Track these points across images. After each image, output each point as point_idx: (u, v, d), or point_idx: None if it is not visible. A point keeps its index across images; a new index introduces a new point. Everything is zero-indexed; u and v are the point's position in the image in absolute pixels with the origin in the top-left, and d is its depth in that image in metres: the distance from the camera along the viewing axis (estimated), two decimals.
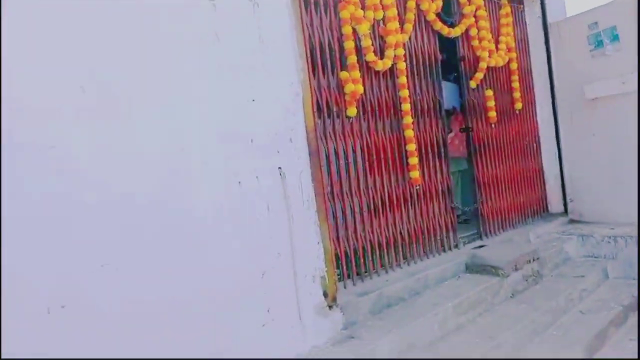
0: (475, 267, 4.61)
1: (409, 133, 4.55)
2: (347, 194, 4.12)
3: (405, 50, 4.59)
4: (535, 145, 6.27)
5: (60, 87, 2.47)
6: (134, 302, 2.61)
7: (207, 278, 2.91)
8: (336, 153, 4.08)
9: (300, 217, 3.44)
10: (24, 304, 2.26)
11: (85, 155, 2.52)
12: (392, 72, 4.52)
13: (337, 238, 4.00)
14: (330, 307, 3.56)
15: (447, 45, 5.33)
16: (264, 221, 3.22)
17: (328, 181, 3.97)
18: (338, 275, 3.91)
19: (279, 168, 3.34)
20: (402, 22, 4.60)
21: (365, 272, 4.23)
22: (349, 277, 4.09)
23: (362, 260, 4.20)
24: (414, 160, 4.55)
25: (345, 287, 4.00)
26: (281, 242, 3.31)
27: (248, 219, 3.15)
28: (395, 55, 4.46)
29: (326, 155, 3.96)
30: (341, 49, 4.11)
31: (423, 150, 4.76)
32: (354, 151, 4.24)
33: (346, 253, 4.08)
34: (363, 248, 4.22)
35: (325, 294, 3.54)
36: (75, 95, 2.51)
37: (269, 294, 3.20)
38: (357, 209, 4.20)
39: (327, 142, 3.98)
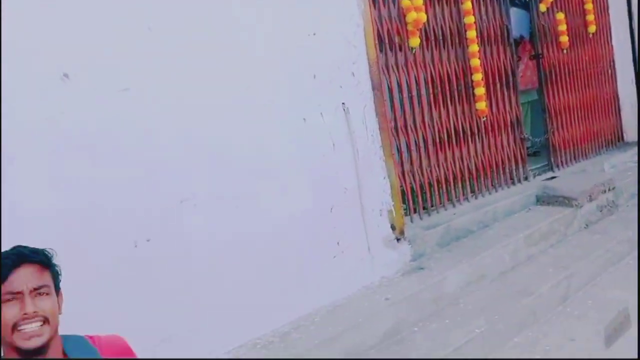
0: (546, 199, 4.49)
1: (475, 62, 4.36)
2: (411, 128, 4.06)
3: None
4: (609, 70, 5.88)
5: None
6: (213, 235, 2.73)
7: (280, 213, 2.99)
8: (399, 86, 4.00)
9: (366, 153, 3.43)
10: (115, 238, 2.42)
11: (165, 98, 2.59)
12: None
13: (403, 173, 3.97)
14: (398, 239, 3.59)
15: None
16: (330, 157, 3.24)
17: (392, 115, 3.91)
18: (405, 209, 3.91)
19: (343, 104, 3.32)
20: None
21: (432, 206, 4.21)
22: (415, 211, 4.09)
23: (428, 194, 4.17)
24: (480, 91, 4.39)
25: (412, 222, 4.01)
26: (347, 177, 3.33)
27: (315, 156, 3.18)
28: None
29: (389, 88, 3.89)
30: None
31: (490, 80, 4.58)
32: (418, 83, 4.13)
33: (412, 188, 4.07)
34: (429, 182, 4.19)
35: (392, 227, 3.57)
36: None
37: (338, 228, 3.27)
38: (422, 144, 4.14)
39: (389, 75, 3.89)
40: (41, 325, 1.38)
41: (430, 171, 4.19)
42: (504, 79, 4.70)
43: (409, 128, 4.04)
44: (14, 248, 1.44)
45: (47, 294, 1.42)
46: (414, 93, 4.08)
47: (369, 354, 2.90)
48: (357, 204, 3.37)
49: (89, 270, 2.30)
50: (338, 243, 3.27)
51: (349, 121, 3.33)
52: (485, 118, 4.51)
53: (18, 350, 1.38)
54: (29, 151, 2.23)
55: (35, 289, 1.40)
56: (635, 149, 5.75)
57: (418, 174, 4.10)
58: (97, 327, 1.64)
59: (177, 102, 2.64)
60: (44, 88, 2.27)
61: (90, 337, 1.59)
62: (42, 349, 1.40)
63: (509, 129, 4.75)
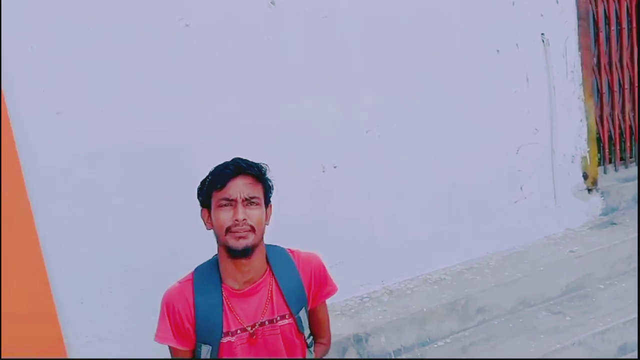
0: None
1: None
2: (616, 66, 3.56)
3: None
4: None
5: None
6: (394, 167, 2.72)
7: (463, 149, 2.88)
8: (607, 17, 3.50)
9: (563, 91, 3.11)
10: (306, 162, 2.53)
11: (359, 29, 2.56)
12: None
13: (601, 117, 3.55)
14: (589, 190, 3.26)
15: None
16: (522, 93, 2.99)
17: (595, 51, 3.46)
18: (599, 158, 3.52)
19: (542, 34, 3.00)
20: None
21: (630, 157, 3.73)
22: (610, 161, 3.67)
23: (627, 143, 3.69)
24: None
25: (605, 172, 3.61)
26: (540, 117, 3.06)
27: (506, 91, 2.95)
28: None
29: (594, 19, 3.42)
30: None
31: None
32: (629, 14, 3.57)
33: (610, 134, 3.62)
34: (630, 130, 3.69)
35: (584, 176, 3.24)
36: None
37: (524, 171, 3.05)
38: (626, 85, 3.63)
39: (596, 4, 3.41)
40: (248, 231, 1.49)
41: (633, 117, 3.68)
42: None
43: (613, 66, 3.55)
44: (234, 160, 1.55)
45: (257, 204, 1.52)
46: (624, 25, 3.54)
47: (548, 305, 2.73)
48: (548, 148, 3.09)
49: (279, 190, 2.44)
50: (521, 188, 3.06)
51: (547, 54, 3.02)
52: None
53: (228, 249, 1.51)
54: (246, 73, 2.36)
55: (247, 199, 1.50)
56: None
57: (619, 119, 3.63)
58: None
59: (369, 35, 2.59)
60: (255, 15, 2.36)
61: (291, 251, 1.69)
62: (247, 250, 1.50)
63: None
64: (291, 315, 1.60)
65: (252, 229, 1.50)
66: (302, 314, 1.63)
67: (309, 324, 1.70)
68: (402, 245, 2.79)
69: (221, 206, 1.50)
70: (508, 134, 2.99)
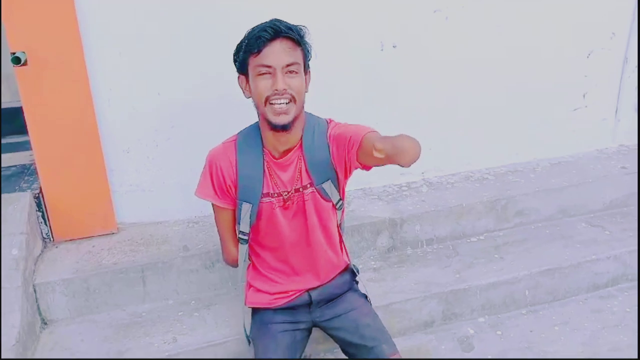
0: None
1: None
2: None
3: None
4: None
5: None
6: (460, 51, 2.58)
7: (529, 42, 2.69)
8: None
9: None
10: (364, 40, 2.40)
11: None
12: None
13: None
14: None
15: None
16: None
17: None
18: None
19: None
20: None
21: None
22: None
23: None
24: None
25: None
26: (620, 20, 2.80)
27: None
28: None
29: None
30: None
31: None
32: None
33: None
34: None
35: None
36: None
37: (590, 78, 2.86)
38: None
39: None
40: (288, 103, 1.43)
41: None
42: None
43: None
44: (271, 21, 1.43)
45: (297, 72, 1.44)
46: None
47: (589, 217, 2.68)
48: (621, 55, 2.87)
49: (338, 67, 2.34)
50: (584, 95, 2.89)
51: None
52: None
53: (268, 122, 1.47)
54: None
55: (286, 66, 1.41)
56: None
57: None
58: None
59: None
60: None
61: (330, 122, 1.61)
62: (286, 125, 1.46)
63: None
64: (313, 185, 1.59)
65: (293, 99, 1.43)
66: (327, 185, 1.60)
67: (371, 158, 1.31)
68: (448, 139, 2.71)
69: (260, 74, 1.42)
70: (581, 34, 2.76)
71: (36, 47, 1.99)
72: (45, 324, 2.03)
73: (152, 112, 2.22)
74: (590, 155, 2.98)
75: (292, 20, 1.47)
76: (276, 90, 1.41)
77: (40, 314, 2.02)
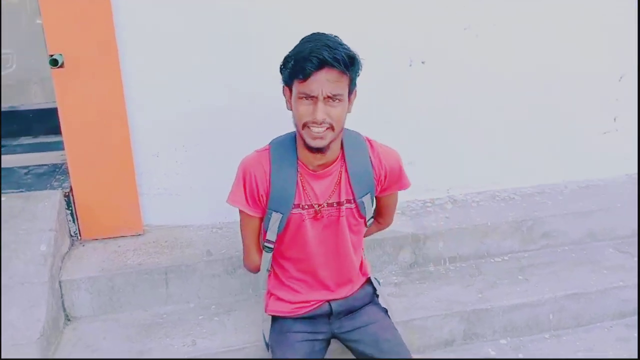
0: None
1: None
2: None
3: None
4: None
5: None
6: (490, 70, 2.58)
7: (563, 67, 2.67)
8: None
9: None
10: (392, 56, 2.42)
11: None
12: None
13: None
14: None
15: None
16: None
17: None
18: None
19: None
20: None
21: None
22: None
23: None
24: None
25: None
26: None
27: (621, 8, 2.65)
28: None
29: None
30: None
31: None
32: None
33: None
34: None
35: None
36: None
37: (621, 101, 2.82)
38: None
39: None
40: (325, 130, 1.43)
41: None
42: None
43: None
44: (320, 45, 1.38)
45: (340, 100, 1.43)
46: None
47: (617, 243, 2.62)
48: None
49: (365, 80, 2.34)
50: (615, 119, 2.85)
51: None
52: None
53: (304, 141, 1.48)
54: None
55: (329, 97, 1.40)
56: None
57: None
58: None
59: None
60: None
61: (369, 140, 1.64)
62: (321, 149, 1.47)
63: None
64: (354, 200, 1.60)
65: (331, 127, 1.43)
66: (366, 199, 1.62)
67: (376, 206, 1.73)
68: (475, 157, 2.70)
69: (301, 99, 1.42)
70: (614, 58, 2.73)
71: (73, 50, 2.05)
72: (69, 320, 2.06)
73: (183, 117, 2.26)
74: (620, 179, 2.93)
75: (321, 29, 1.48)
76: (315, 119, 1.41)
77: (64, 310, 2.06)
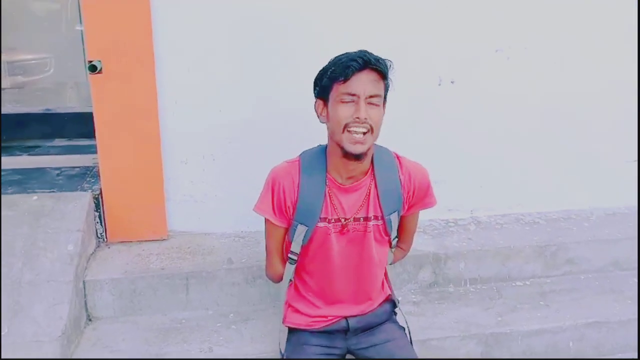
0: None
1: None
2: None
3: None
4: None
5: None
6: (520, 92, 2.58)
7: (588, 92, 2.65)
8: None
9: None
10: (421, 75, 2.44)
11: None
12: None
13: None
14: None
15: None
16: None
17: None
18: None
19: None
20: None
21: None
22: None
23: None
24: None
25: None
26: None
27: None
28: None
29: None
30: None
31: None
32: None
33: None
34: None
35: None
36: None
37: None
38: None
39: None
40: (365, 133, 1.44)
41: None
42: None
43: None
44: (360, 52, 1.45)
45: (378, 105, 1.45)
46: None
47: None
48: None
49: (394, 98, 2.36)
50: None
51: None
52: None
53: (342, 149, 1.48)
54: None
55: (370, 97, 1.43)
56: None
57: None
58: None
59: None
60: None
61: (397, 156, 1.65)
62: (360, 155, 1.48)
63: None
64: (382, 217, 1.60)
65: (371, 129, 1.44)
66: (394, 217, 1.62)
67: (397, 229, 1.71)
68: (500, 179, 2.68)
69: (343, 101, 1.44)
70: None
71: (111, 57, 2.12)
72: (90, 320, 2.11)
73: (212, 127, 2.31)
74: None
75: (351, 50, 1.50)
76: (357, 118, 1.42)
77: (86, 309, 2.10)
